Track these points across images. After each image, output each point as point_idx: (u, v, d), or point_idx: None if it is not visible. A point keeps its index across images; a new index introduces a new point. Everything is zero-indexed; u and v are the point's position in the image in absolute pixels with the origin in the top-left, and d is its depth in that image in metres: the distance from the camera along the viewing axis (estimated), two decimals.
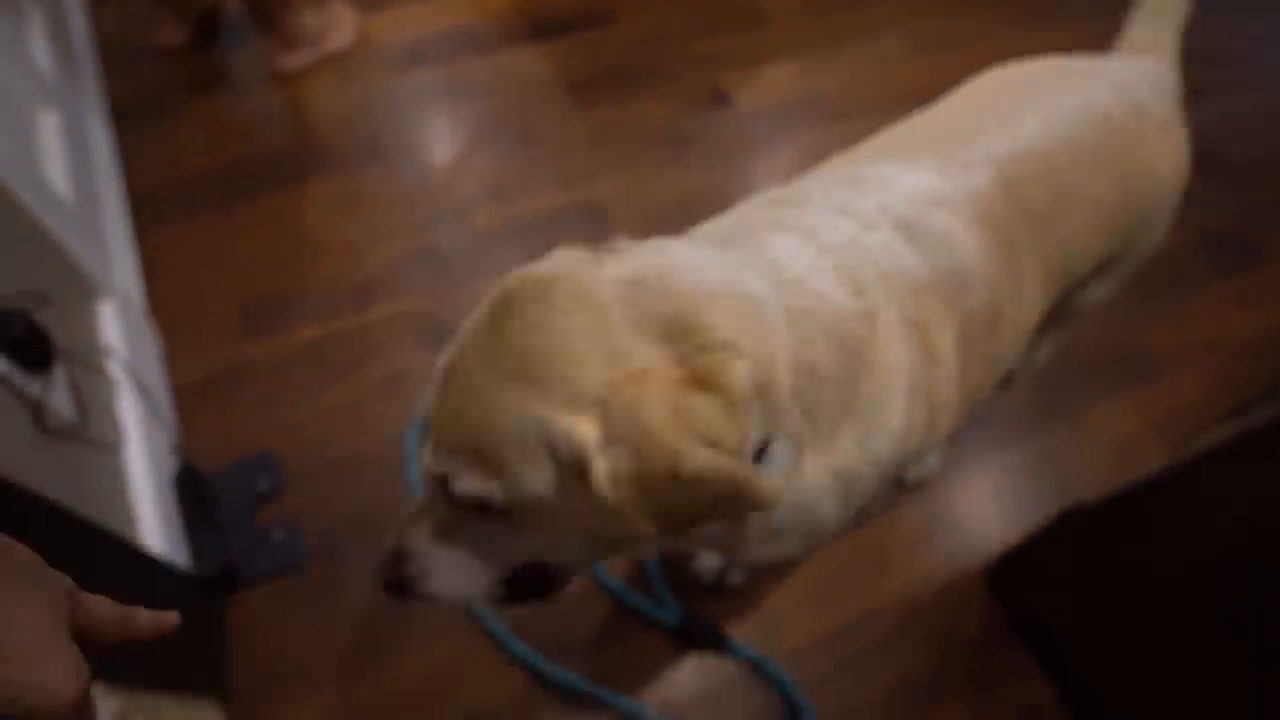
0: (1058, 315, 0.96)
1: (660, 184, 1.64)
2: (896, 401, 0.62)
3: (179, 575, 1.03)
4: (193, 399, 1.31)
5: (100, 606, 0.41)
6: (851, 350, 0.58)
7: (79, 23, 1.74)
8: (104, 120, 1.61)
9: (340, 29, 1.79)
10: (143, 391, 1.12)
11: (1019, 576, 1.17)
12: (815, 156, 1.66)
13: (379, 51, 1.82)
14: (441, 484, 0.53)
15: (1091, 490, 1.31)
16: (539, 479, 0.50)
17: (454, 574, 0.58)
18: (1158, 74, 0.82)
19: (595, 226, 1.56)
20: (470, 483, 0.51)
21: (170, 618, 0.44)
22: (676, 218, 1.58)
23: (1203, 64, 1.98)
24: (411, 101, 1.74)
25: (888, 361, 0.61)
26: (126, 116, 1.67)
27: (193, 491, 1.16)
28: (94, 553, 0.83)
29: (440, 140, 1.68)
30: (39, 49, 1.42)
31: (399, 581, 0.58)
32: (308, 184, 1.59)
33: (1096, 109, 0.75)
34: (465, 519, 0.55)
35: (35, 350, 0.86)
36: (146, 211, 1.53)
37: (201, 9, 1.80)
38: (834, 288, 0.58)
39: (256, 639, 1.11)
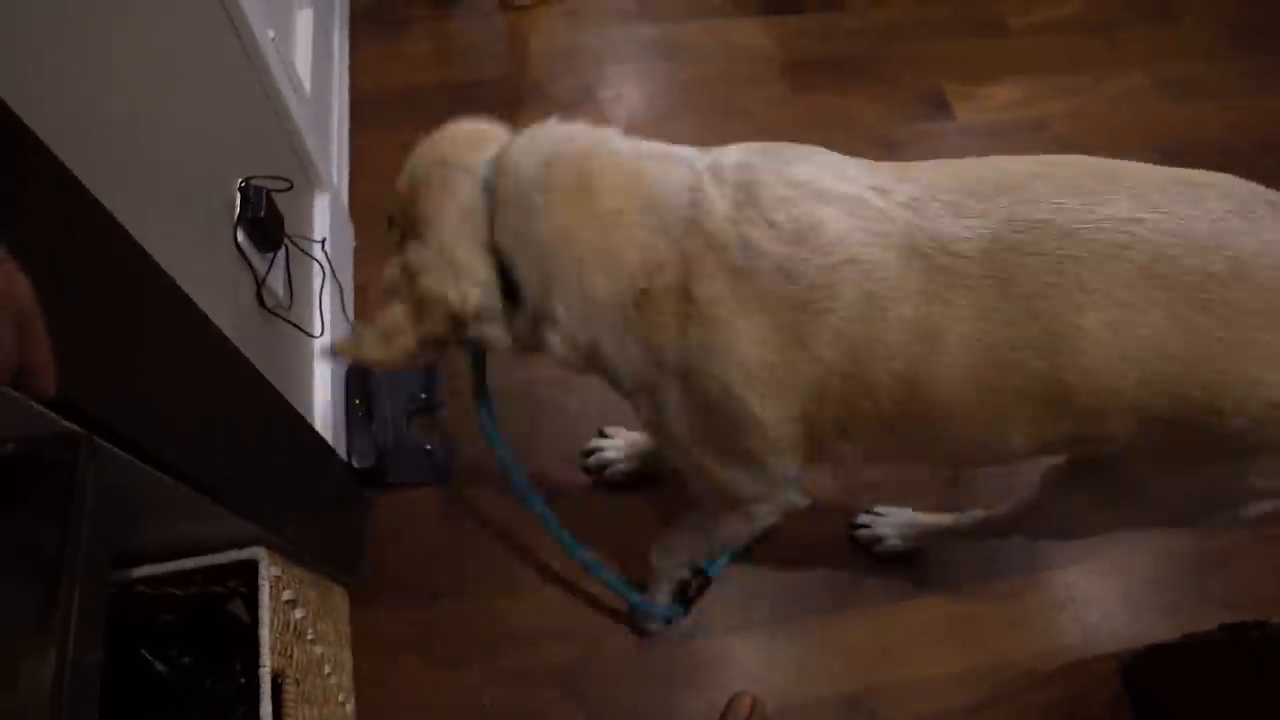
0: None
1: None
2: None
3: (339, 463, 1.10)
4: (369, 302, 1.38)
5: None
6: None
7: None
8: (345, 24, 1.69)
9: None
10: (338, 285, 1.19)
11: (1161, 674, 1.08)
12: None
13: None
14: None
15: (1258, 607, 1.19)
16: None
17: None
18: None
19: None
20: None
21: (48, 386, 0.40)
22: None
23: None
24: (629, 53, 1.75)
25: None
26: (364, 21, 1.75)
27: (360, 386, 1.23)
28: (277, 428, 0.89)
29: (649, 96, 1.68)
30: None
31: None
32: (515, 116, 1.60)
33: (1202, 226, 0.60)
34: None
35: (270, 230, 0.92)
36: (361, 115, 1.60)
37: None
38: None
39: (389, 539, 1.17)
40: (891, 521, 1.19)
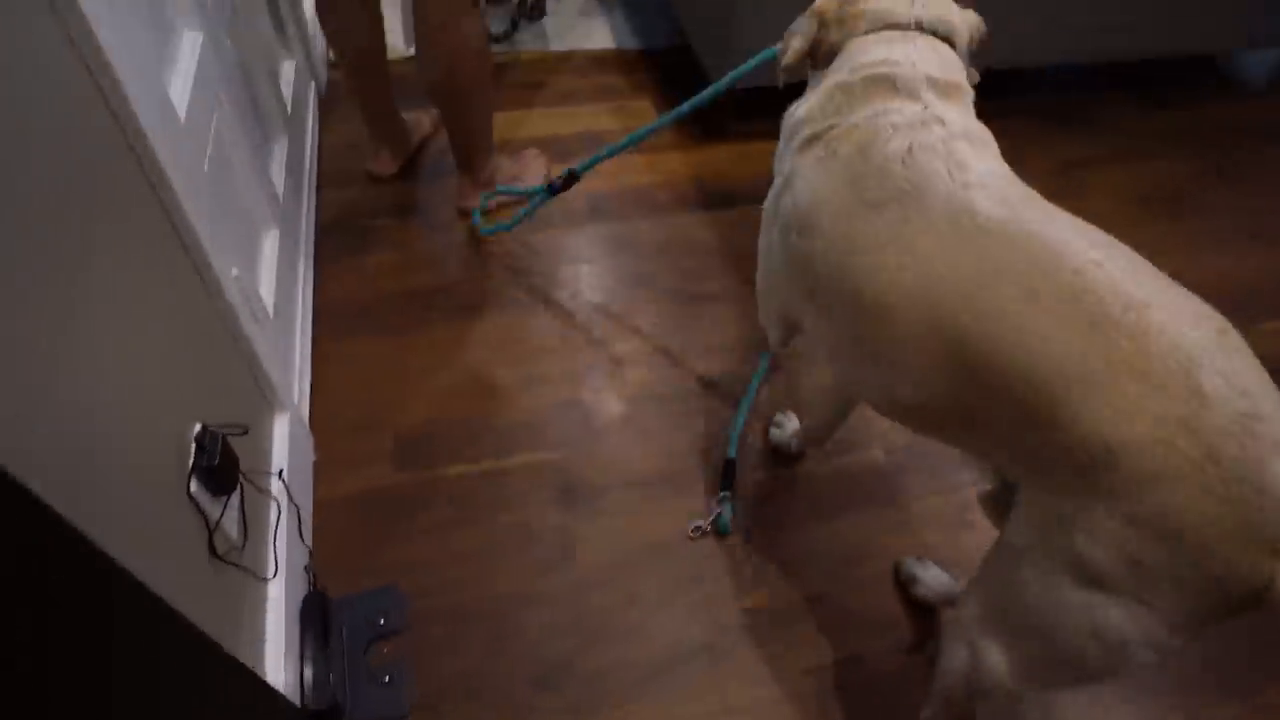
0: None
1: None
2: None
3: (290, 707, 1.04)
4: (330, 517, 1.36)
5: None
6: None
7: (311, 149, 1.95)
8: (310, 239, 1.77)
9: (529, 177, 1.93)
10: (297, 517, 1.17)
11: None
12: None
13: (560, 201, 1.94)
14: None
15: None
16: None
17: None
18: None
19: (729, 406, 1.57)
20: None
21: None
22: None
23: None
24: (585, 252, 1.84)
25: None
26: (328, 234, 1.83)
27: (316, 617, 1.18)
28: (221, 681, 0.84)
29: (607, 294, 1.76)
30: (277, 172, 1.59)
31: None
32: (477, 320, 1.68)
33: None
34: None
35: (225, 474, 0.91)
36: (325, 325, 1.64)
37: (415, 146, 1.99)
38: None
39: None
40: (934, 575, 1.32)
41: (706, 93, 1.38)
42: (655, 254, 1.85)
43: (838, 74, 0.95)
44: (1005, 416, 0.76)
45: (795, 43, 1.02)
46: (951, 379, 0.80)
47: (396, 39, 2.10)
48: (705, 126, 2.12)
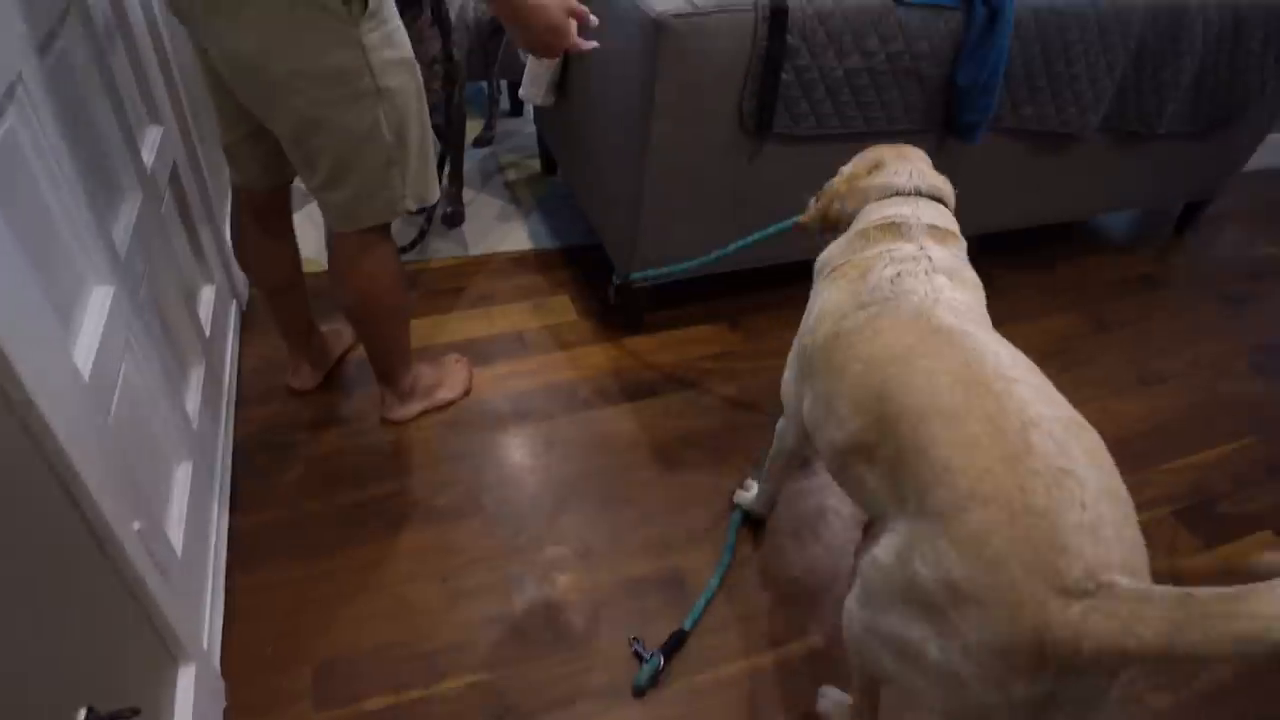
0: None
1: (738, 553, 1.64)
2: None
3: None
4: None
5: None
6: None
7: (231, 368, 1.95)
8: (227, 463, 1.73)
9: (451, 384, 1.95)
10: None
11: None
12: None
13: (484, 404, 1.97)
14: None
15: None
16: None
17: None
18: None
19: (669, 601, 1.54)
20: None
21: None
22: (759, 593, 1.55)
23: None
24: (508, 455, 1.84)
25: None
26: (244, 454, 1.80)
27: None
28: None
29: (533, 498, 1.74)
30: (192, 400, 1.58)
31: None
32: (401, 534, 1.64)
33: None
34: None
35: None
36: (241, 554, 1.58)
37: (336, 358, 2.01)
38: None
39: None
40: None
41: (763, 233, 1.75)
42: (581, 452, 1.86)
43: (857, 225, 1.27)
44: (893, 446, 0.95)
45: (812, 209, 1.43)
46: (865, 417, 1.01)
47: (317, 251, 2.16)
48: (625, 319, 2.21)
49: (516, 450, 1.86)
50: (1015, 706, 0.80)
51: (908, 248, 1.16)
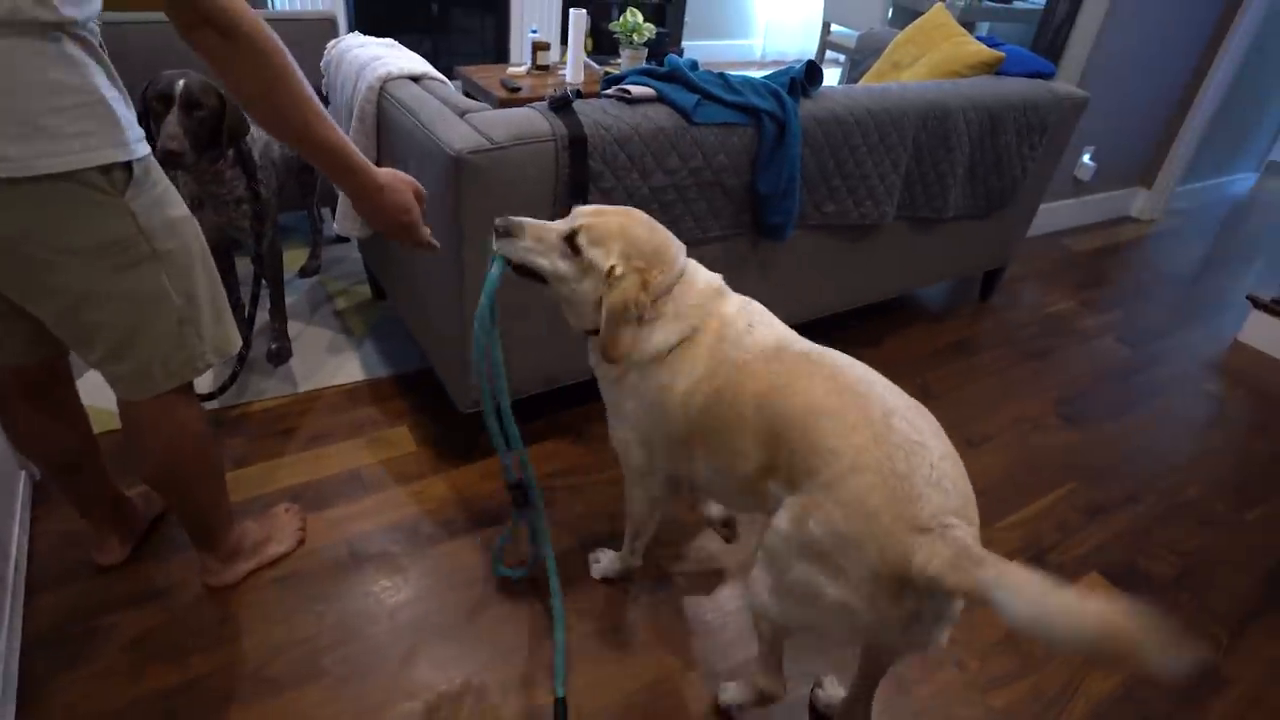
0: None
1: (605, 686, 1.58)
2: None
3: None
4: None
5: None
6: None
7: (18, 554, 1.73)
8: (14, 669, 1.51)
9: (281, 537, 1.82)
10: None
11: None
12: None
13: (319, 553, 1.84)
14: (571, 238, 1.30)
15: None
16: (601, 258, 1.30)
17: (527, 250, 1.33)
18: None
19: None
20: (588, 248, 1.29)
21: None
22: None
23: None
24: (349, 608, 1.72)
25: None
26: (40, 650, 1.59)
27: None
28: None
29: (379, 650, 1.63)
30: None
31: (507, 229, 1.32)
32: (228, 715, 1.48)
33: (858, 376, 1.23)
34: (556, 250, 1.32)
35: None
36: None
37: (148, 524, 1.83)
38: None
39: None
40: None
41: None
42: (427, 591, 1.77)
43: (671, 310, 1.37)
44: (785, 450, 1.17)
45: (608, 337, 1.40)
46: (767, 441, 1.21)
47: (112, 402, 1.99)
48: (463, 447, 2.16)
49: (358, 599, 1.74)
50: (892, 622, 1.06)
51: (734, 303, 1.36)
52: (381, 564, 1.83)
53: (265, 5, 3.84)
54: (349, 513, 1.95)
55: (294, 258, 2.92)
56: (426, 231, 1.46)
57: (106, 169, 1.10)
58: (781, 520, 1.15)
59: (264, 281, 2.25)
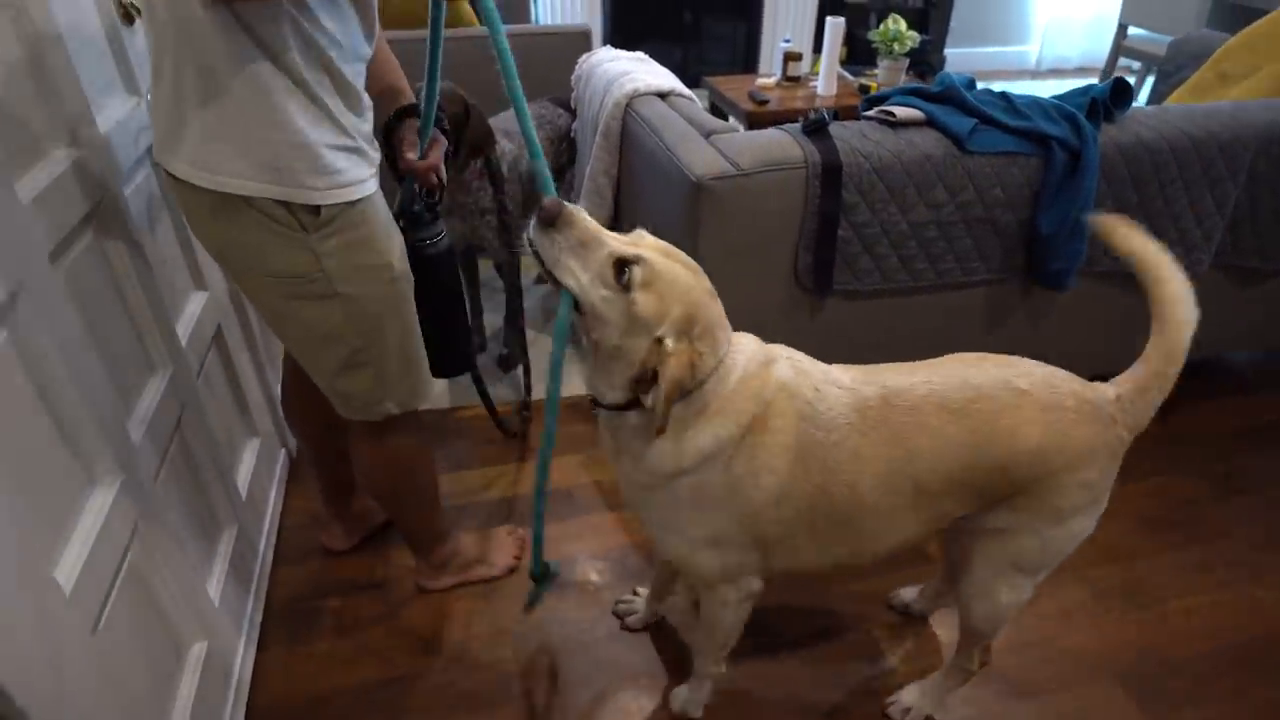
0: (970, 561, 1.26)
1: None
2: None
3: None
4: None
5: None
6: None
7: (270, 527, 1.89)
8: (254, 637, 1.64)
9: (495, 559, 1.83)
10: None
11: None
12: None
13: (525, 570, 1.83)
14: (621, 264, 1.01)
15: None
16: (651, 311, 1.02)
17: (563, 253, 1.06)
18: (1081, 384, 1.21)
19: None
20: (639, 290, 1.01)
21: None
22: None
23: None
24: (549, 634, 1.69)
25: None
26: (276, 620, 1.71)
27: None
28: None
29: (569, 689, 1.58)
30: (216, 581, 1.50)
31: (550, 217, 1.04)
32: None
33: (971, 381, 1.13)
34: (597, 270, 1.03)
35: None
36: None
37: (377, 524, 1.93)
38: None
39: None
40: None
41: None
42: (633, 632, 1.70)
43: (722, 391, 1.16)
44: (1006, 484, 1.15)
45: (660, 411, 1.20)
46: (953, 493, 1.16)
47: None
48: None
49: (554, 626, 1.71)
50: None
51: (784, 369, 1.15)
52: (584, 595, 1.78)
53: (528, 20, 4.02)
54: (558, 533, 1.93)
55: (531, 262, 2.99)
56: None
57: (288, 205, 1.12)
58: (1032, 526, 1.19)
59: (505, 289, 2.31)
